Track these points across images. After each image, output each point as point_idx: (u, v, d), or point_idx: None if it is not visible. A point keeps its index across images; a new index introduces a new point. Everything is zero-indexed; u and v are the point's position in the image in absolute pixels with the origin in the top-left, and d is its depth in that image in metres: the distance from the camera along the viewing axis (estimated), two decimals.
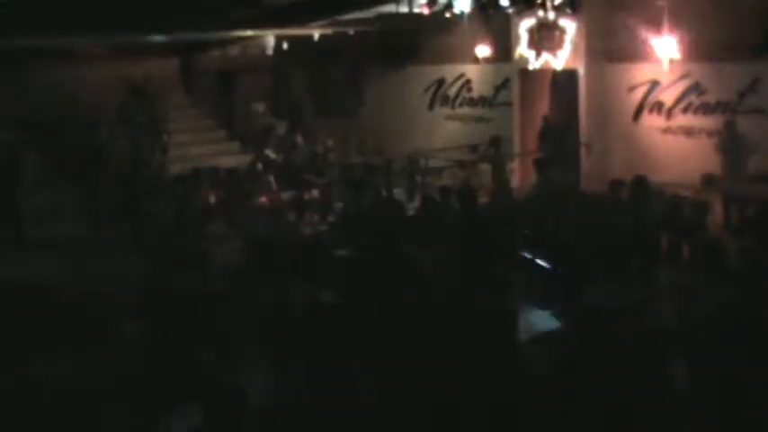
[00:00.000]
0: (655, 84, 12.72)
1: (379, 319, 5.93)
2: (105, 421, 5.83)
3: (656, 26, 12.36)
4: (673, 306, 6.42)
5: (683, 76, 12.40)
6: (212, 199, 11.65)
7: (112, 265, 9.60)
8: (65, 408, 6.11)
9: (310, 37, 15.85)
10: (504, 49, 14.38)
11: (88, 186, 12.80)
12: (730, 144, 11.71)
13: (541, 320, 6.01)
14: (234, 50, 17.62)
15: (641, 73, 12.84)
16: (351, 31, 15.93)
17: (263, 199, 12.30)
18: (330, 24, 15.42)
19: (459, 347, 5.14)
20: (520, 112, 14.27)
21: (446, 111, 15.84)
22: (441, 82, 15.85)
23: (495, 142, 13.67)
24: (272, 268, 7.24)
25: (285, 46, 16.92)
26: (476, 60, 15.11)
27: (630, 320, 5.89)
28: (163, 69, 16.58)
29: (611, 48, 13.10)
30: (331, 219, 12.25)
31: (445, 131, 15.56)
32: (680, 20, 12.09)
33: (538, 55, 13.54)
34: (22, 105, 13.64)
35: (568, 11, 13.09)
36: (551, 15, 13.24)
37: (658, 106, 12.74)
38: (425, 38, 15.56)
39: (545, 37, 13.40)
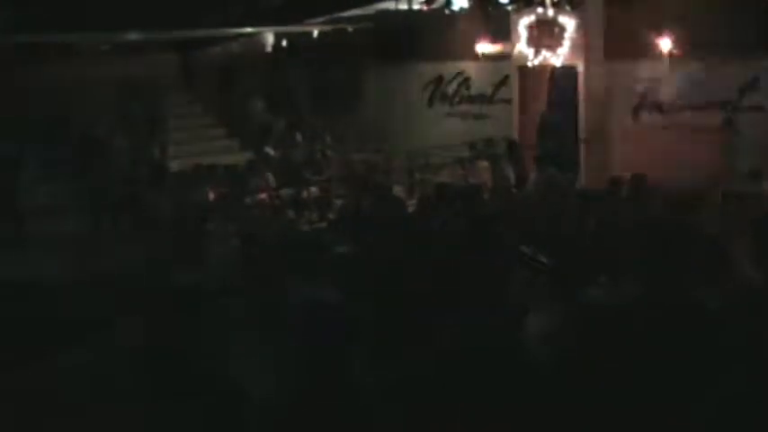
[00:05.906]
0: (654, 81, 12.72)
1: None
2: None
3: (656, 23, 12.36)
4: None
5: (683, 73, 12.40)
6: (211, 196, 11.64)
7: (112, 261, 9.58)
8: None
9: (309, 34, 15.88)
10: (503, 46, 14.37)
11: (88, 184, 12.79)
12: (731, 141, 11.71)
13: None
14: (233, 47, 17.62)
15: (641, 70, 12.84)
16: (350, 29, 15.95)
17: (263, 196, 12.28)
18: (329, 21, 15.44)
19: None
20: (519, 109, 14.28)
21: (445, 108, 15.83)
22: (439, 79, 15.84)
23: (489, 143, 13.67)
24: (270, 265, 7.22)
25: (284, 43, 16.94)
26: (475, 57, 15.10)
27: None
28: (162, 66, 16.59)
29: (610, 45, 13.09)
30: (330, 216, 12.23)
31: (444, 128, 15.55)
32: (680, 16, 12.10)
33: (537, 52, 13.55)
34: (21, 102, 13.63)
35: (568, 8, 13.11)
36: (550, 12, 13.27)
37: (658, 103, 12.74)
38: (424, 35, 15.55)
39: (544, 34, 13.41)
